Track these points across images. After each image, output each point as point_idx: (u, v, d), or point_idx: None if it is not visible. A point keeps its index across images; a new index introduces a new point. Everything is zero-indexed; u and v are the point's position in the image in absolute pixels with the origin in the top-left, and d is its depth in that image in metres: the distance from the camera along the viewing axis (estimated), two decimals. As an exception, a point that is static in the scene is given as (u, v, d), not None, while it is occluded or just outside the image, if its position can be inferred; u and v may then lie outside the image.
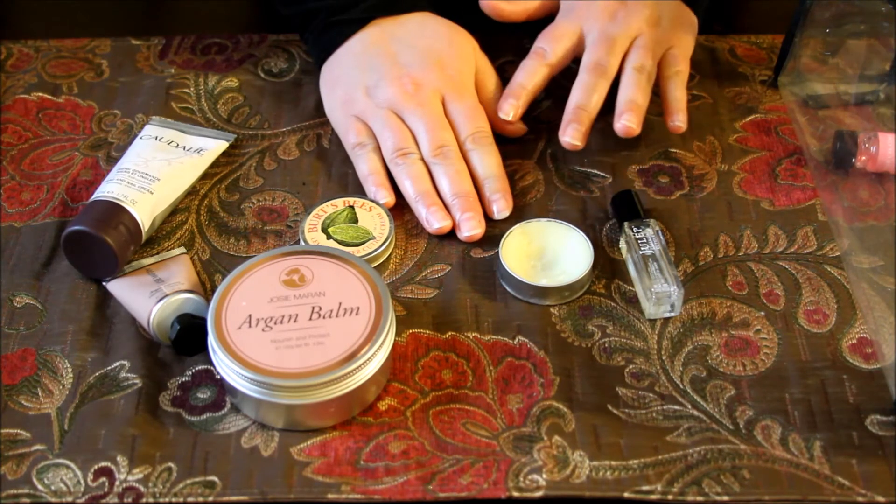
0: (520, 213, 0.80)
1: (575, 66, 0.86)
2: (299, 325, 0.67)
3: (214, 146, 0.84)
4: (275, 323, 0.67)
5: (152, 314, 0.71)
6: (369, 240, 0.77)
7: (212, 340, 0.67)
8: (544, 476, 0.65)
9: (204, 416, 0.68)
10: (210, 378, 0.70)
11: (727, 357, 0.71)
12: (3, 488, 0.64)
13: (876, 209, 0.79)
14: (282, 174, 0.84)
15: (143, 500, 0.64)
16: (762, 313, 0.74)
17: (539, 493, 0.64)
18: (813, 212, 0.80)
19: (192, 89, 0.91)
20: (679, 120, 0.83)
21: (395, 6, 0.87)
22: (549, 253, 0.77)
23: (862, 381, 0.70)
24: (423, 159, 0.81)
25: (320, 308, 0.68)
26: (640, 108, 0.81)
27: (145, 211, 0.76)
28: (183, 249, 0.78)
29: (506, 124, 0.85)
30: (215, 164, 0.84)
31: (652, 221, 0.77)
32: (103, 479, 0.65)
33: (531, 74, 0.84)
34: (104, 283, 0.75)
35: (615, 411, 0.68)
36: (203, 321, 0.70)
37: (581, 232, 0.77)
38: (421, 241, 0.79)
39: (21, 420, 0.68)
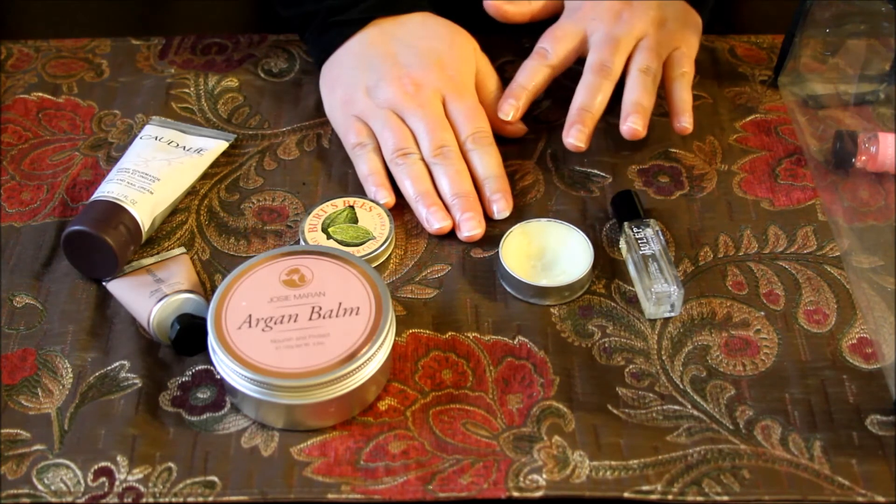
0: (520, 213, 0.80)
1: (577, 66, 0.86)
2: (299, 325, 0.67)
3: (214, 146, 0.84)
4: (275, 323, 0.67)
5: (152, 314, 0.71)
6: (369, 240, 0.77)
7: (212, 340, 0.67)
8: (544, 476, 0.65)
9: (204, 416, 0.68)
10: (210, 378, 0.70)
11: (727, 357, 0.71)
12: (3, 488, 0.64)
13: (876, 209, 0.79)
14: (282, 174, 0.84)
15: (143, 500, 0.64)
16: (762, 313, 0.74)
17: (539, 493, 0.64)
18: (813, 212, 0.80)
19: (192, 89, 0.91)
20: (685, 121, 0.83)
21: (395, 6, 0.87)
22: (549, 253, 0.77)
23: (862, 381, 0.70)
24: (423, 159, 0.81)
25: (320, 308, 0.68)
26: (646, 110, 0.81)
27: (145, 211, 0.76)
28: (183, 249, 0.78)
29: (506, 124, 0.85)
30: (215, 164, 0.84)
31: (652, 221, 0.77)
32: (103, 479, 0.65)
33: (532, 75, 0.84)
34: (104, 283, 0.75)
35: (615, 411, 0.68)
36: (203, 321, 0.70)
37: (581, 232, 0.77)
38: (421, 241, 0.79)
39: (21, 420, 0.68)
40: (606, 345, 0.72)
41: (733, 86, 0.91)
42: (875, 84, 0.86)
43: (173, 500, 0.64)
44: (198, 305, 0.72)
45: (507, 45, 0.94)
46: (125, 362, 0.71)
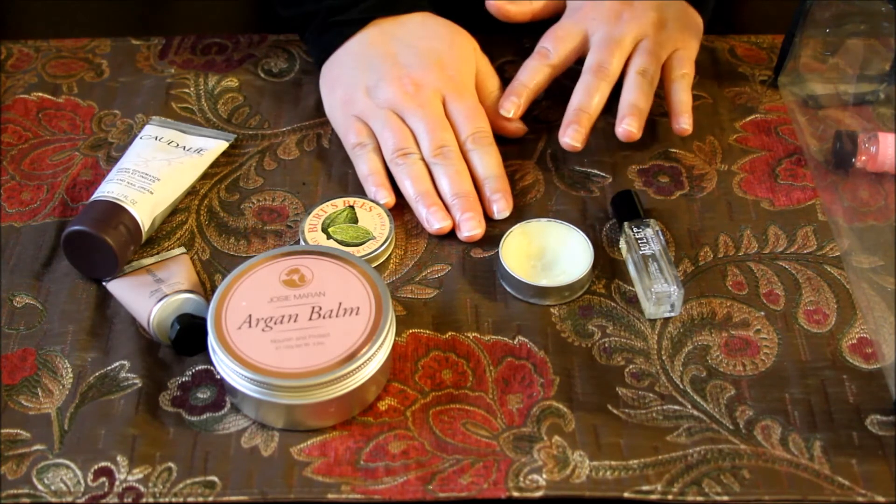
0: (520, 213, 0.80)
1: (577, 66, 0.86)
2: (299, 325, 0.67)
3: (214, 146, 0.84)
4: (275, 323, 0.67)
5: (152, 314, 0.71)
6: (369, 240, 0.77)
7: (212, 340, 0.67)
8: (544, 476, 0.65)
9: (204, 416, 0.68)
10: (210, 378, 0.70)
11: (727, 357, 0.71)
12: (3, 488, 0.64)
13: (876, 209, 0.79)
14: (282, 174, 0.84)
15: (143, 500, 0.64)
16: (762, 313, 0.74)
17: (539, 493, 0.64)
18: (813, 212, 0.80)
19: (192, 89, 0.91)
20: (685, 122, 0.83)
21: (395, 6, 0.87)
22: (549, 253, 0.77)
23: (862, 381, 0.70)
24: (423, 159, 0.81)
25: (320, 308, 0.68)
26: (642, 112, 0.82)
27: (145, 211, 0.76)
28: (183, 249, 0.78)
29: (506, 124, 0.85)
30: (215, 164, 0.84)
31: (652, 221, 0.77)
32: (103, 479, 0.65)
33: (533, 74, 0.84)
34: (104, 283, 0.75)
35: (615, 411, 0.68)
36: (203, 321, 0.70)
37: (581, 232, 0.77)
38: (421, 241, 0.79)
39: (21, 420, 0.68)
40: (606, 345, 0.72)
41: (733, 86, 0.91)
42: (875, 84, 0.86)
43: (173, 500, 0.64)
44: (198, 305, 0.72)
45: (508, 44, 0.94)
46: (125, 362, 0.71)
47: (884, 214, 0.78)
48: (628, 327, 0.73)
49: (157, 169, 0.79)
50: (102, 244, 0.73)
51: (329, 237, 0.77)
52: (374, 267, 0.75)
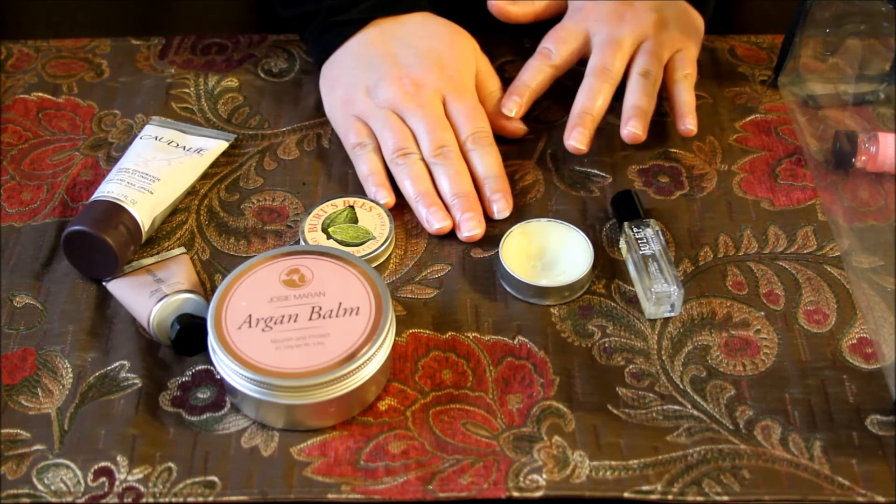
0: (520, 213, 0.80)
1: (577, 66, 0.86)
2: (299, 325, 0.67)
3: (214, 146, 0.84)
4: (275, 323, 0.67)
5: (152, 314, 0.71)
6: (369, 240, 0.77)
7: (212, 340, 0.67)
8: (544, 476, 0.65)
9: (204, 416, 0.68)
10: (210, 378, 0.70)
11: (727, 357, 0.71)
12: (3, 488, 0.64)
13: (876, 209, 0.79)
14: (282, 174, 0.84)
15: (143, 500, 0.64)
16: (762, 313, 0.74)
17: (539, 493, 0.64)
18: (813, 212, 0.80)
19: (192, 89, 0.91)
20: (689, 123, 0.83)
21: (395, 6, 0.87)
22: (549, 253, 0.77)
23: (862, 381, 0.70)
24: (423, 159, 0.81)
25: (320, 308, 0.68)
26: (646, 114, 0.82)
27: (145, 211, 0.76)
28: (183, 249, 0.78)
29: (506, 124, 0.85)
30: (215, 164, 0.84)
31: (652, 221, 0.77)
32: (103, 479, 0.65)
33: (535, 74, 0.85)
34: (104, 283, 0.75)
35: (615, 411, 0.68)
36: (203, 321, 0.70)
37: (581, 232, 0.77)
38: (421, 241, 0.79)
39: (21, 420, 0.68)
40: (606, 345, 0.72)
41: (733, 86, 0.91)
42: (875, 84, 0.85)
43: (173, 500, 0.64)
44: (198, 305, 0.72)
45: (508, 45, 0.94)
46: (125, 362, 0.71)
47: (884, 214, 0.78)
48: (628, 327, 0.73)
49: (157, 169, 0.79)
50: (102, 244, 0.73)
51: (329, 237, 0.77)
52: (374, 267, 0.75)
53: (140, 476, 0.65)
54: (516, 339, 0.72)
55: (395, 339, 0.70)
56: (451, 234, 0.79)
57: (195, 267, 0.77)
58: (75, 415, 0.68)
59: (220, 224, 0.80)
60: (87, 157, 0.85)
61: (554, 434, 0.67)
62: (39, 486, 0.65)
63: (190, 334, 0.70)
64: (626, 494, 0.64)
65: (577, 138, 0.81)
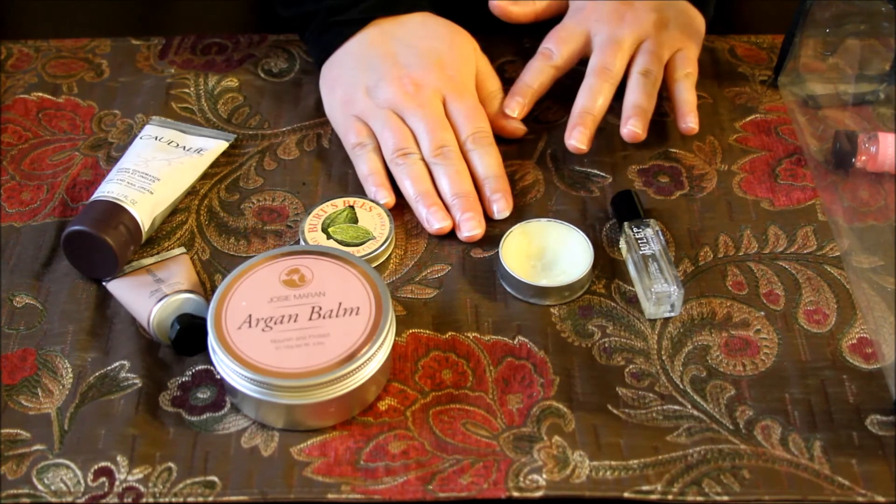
0: (520, 213, 0.80)
1: (578, 66, 0.86)
2: (299, 325, 0.67)
3: (214, 146, 0.84)
4: (275, 323, 0.67)
5: (152, 314, 0.71)
6: (369, 240, 0.77)
7: (212, 340, 0.67)
8: (544, 476, 0.65)
9: (204, 416, 0.68)
10: (210, 378, 0.70)
11: (727, 357, 0.71)
12: (3, 488, 0.64)
13: (876, 209, 0.79)
14: (282, 174, 0.84)
15: (143, 500, 0.64)
16: (762, 313, 0.74)
17: (539, 493, 0.64)
18: (813, 212, 0.80)
19: (192, 89, 0.91)
20: (691, 122, 0.83)
21: (395, 6, 0.87)
22: (549, 253, 0.77)
23: (862, 381, 0.70)
24: (423, 159, 0.81)
25: (320, 308, 0.68)
26: (647, 113, 0.82)
27: (145, 211, 0.76)
28: (183, 249, 0.78)
29: (506, 124, 0.85)
30: (215, 164, 0.84)
31: (652, 221, 0.77)
32: (103, 479, 0.65)
33: (537, 74, 0.85)
34: (104, 283, 0.75)
35: (615, 411, 0.68)
36: (203, 321, 0.70)
37: (581, 232, 0.77)
38: (421, 241, 0.79)
39: (21, 420, 0.68)
40: (606, 345, 0.72)
41: (733, 86, 0.91)
42: (875, 84, 0.85)
43: (173, 500, 0.64)
44: (198, 305, 0.72)
45: (508, 45, 0.94)
46: (125, 362, 0.71)
47: (884, 214, 0.78)
48: (628, 327, 0.73)
49: (157, 169, 0.79)
50: (102, 244, 0.73)
51: (329, 237, 0.77)
52: (374, 267, 0.75)
53: (140, 476, 0.65)
54: (516, 339, 0.72)
55: (395, 339, 0.70)
56: (451, 234, 0.79)
57: (195, 267, 0.77)
58: (75, 415, 0.68)
59: (220, 224, 0.80)
60: (87, 157, 0.85)
61: (554, 434, 0.67)
62: (39, 486, 0.65)
63: (190, 334, 0.70)
64: (626, 494, 0.64)
65: (577, 138, 0.81)
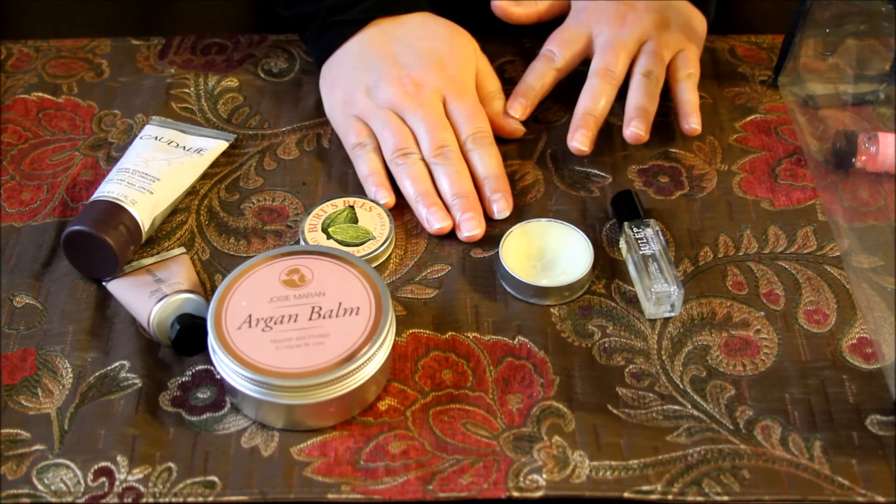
0: (520, 213, 0.80)
1: (580, 67, 0.86)
2: (299, 325, 0.67)
3: (214, 146, 0.84)
4: (275, 323, 0.67)
5: (152, 314, 0.71)
6: (369, 240, 0.77)
7: (212, 340, 0.67)
8: (544, 476, 0.65)
9: (204, 416, 0.68)
10: (210, 378, 0.70)
11: (727, 357, 0.71)
12: (3, 488, 0.64)
13: (876, 209, 0.79)
14: (282, 174, 0.84)
15: (143, 500, 0.64)
16: (762, 313, 0.74)
17: (539, 493, 0.64)
18: (813, 212, 0.80)
19: (192, 89, 0.91)
20: (694, 122, 0.83)
21: (395, 6, 0.87)
22: (549, 253, 0.77)
23: (862, 381, 0.70)
24: (423, 159, 0.81)
25: (320, 308, 0.68)
26: (649, 114, 0.82)
27: (145, 211, 0.76)
28: (183, 249, 0.78)
29: (505, 125, 0.85)
30: (215, 164, 0.84)
31: (652, 221, 0.77)
32: (103, 479, 0.65)
33: (539, 76, 0.85)
34: (104, 283, 0.75)
35: (615, 411, 0.68)
36: (203, 321, 0.70)
37: (581, 232, 0.77)
38: (421, 241, 0.79)
39: (21, 420, 0.68)
40: (606, 345, 0.72)
41: (733, 86, 0.91)
42: (875, 84, 0.85)
43: (173, 500, 0.64)
44: (198, 305, 0.72)
45: (508, 45, 0.94)
46: (125, 362, 0.71)
47: (884, 214, 0.78)
48: (628, 327, 0.73)
49: (157, 169, 0.79)
50: (102, 244, 0.73)
51: (329, 237, 0.77)
52: (374, 267, 0.75)
53: (140, 476, 0.65)
54: (516, 339, 0.72)
55: (395, 339, 0.70)
56: (451, 234, 0.79)
57: (195, 267, 0.77)
58: (75, 415, 0.68)
59: (220, 224, 0.80)
60: (87, 157, 0.85)
61: (554, 434, 0.67)
62: (39, 486, 0.65)
63: (190, 334, 0.70)
64: (626, 494, 0.64)
65: (580, 140, 0.81)
